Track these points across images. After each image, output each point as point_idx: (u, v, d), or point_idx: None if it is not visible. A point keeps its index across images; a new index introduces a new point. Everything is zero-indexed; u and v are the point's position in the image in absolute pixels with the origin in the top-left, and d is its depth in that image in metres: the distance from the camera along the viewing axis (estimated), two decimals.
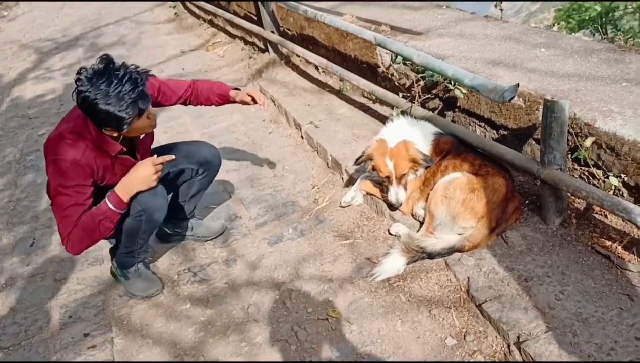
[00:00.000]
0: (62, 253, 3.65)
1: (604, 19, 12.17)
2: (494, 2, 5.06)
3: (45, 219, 4.12)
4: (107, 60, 2.47)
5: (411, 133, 3.22)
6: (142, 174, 2.70)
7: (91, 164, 2.62)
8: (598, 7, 11.83)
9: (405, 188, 3.24)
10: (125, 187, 2.68)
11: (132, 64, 2.56)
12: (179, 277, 3.28)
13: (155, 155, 2.87)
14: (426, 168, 3.21)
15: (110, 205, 2.66)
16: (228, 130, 5.12)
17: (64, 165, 2.56)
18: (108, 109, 2.41)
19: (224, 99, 3.32)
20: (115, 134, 2.63)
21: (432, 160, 3.15)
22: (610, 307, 2.47)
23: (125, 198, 2.69)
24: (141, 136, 2.87)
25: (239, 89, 3.35)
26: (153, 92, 2.93)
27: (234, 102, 3.32)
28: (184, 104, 3.31)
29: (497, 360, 2.42)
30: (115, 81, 2.41)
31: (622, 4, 11.95)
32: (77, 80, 2.44)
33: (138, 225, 2.85)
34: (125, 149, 2.77)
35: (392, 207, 3.35)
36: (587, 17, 11.84)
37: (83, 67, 2.48)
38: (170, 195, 3.30)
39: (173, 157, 2.83)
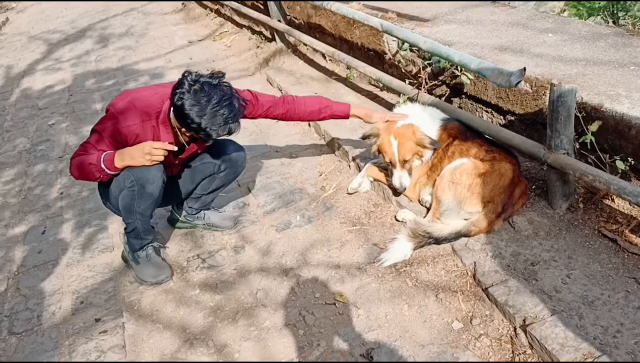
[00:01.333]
0: (72, 241, 3.70)
1: (615, 6, 12.04)
2: None
3: (56, 208, 4.17)
4: (214, 76, 2.65)
5: (418, 117, 3.23)
6: (140, 151, 2.74)
7: (132, 136, 2.77)
8: None
9: (410, 174, 3.25)
10: (122, 155, 2.76)
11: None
12: (188, 264, 3.32)
13: (167, 142, 2.90)
14: (434, 151, 3.22)
15: (102, 163, 2.74)
16: None
17: (114, 119, 2.76)
18: (200, 122, 2.58)
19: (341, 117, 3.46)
20: (188, 135, 2.81)
21: (438, 143, 3.15)
22: (616, 290, 2.48)
23: (118, 164, 2.76)
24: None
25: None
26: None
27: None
28: (276, 118, 3.41)
29: (507, 361, 2.43)
30: (215, 100, 2.57)
31: None
32: (180, 83, 2.61)
33: (132, 196, 2.88)
34: (172, 143, 2.87)
35: (396, 192, 3.37)
36: (597, 5, 11.73)
37: (188, 71, 2.64)
38: (193, 185, 3.38)
39: (175, 147, 2.86)
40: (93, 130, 2.85)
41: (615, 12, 11.54)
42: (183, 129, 2.77)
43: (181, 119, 2.66)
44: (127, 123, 2.76)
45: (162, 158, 2.79)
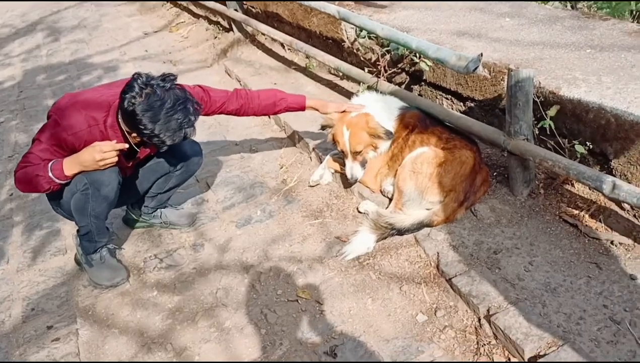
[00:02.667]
0: (23, 245, 3.54)
1: None
2: None
3: (5, 210, 3.99)
4: (166, 79, 2.54)
5: (374, 107, 3.17)
6: (90, 157, 2.60)
7: (79, 142, 2.63)
8: None
9: (364, 166, 3.19)
10: (71, 162, 2.63)
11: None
12: (145, 264, 3.20)
13: (115, 141, 2.76)
14: (392, 142, 3.16)
15: (50, 172, 2.61)
16: None
17: (57, 126, 2.62)
18: (154, 128, 2.47)
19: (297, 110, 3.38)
20: (139, 139, 2.67)
21: (392, 134, 3.09)
22: (578, 276, 2.47)
23: (67, 172, 2.63)
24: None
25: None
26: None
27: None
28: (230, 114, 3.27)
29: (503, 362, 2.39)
30: (169, 105, 2.47)
31: None
32: (130, 86, 2.47)
33: (85, 199, 2.75)
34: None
35: (348, 183, 3.32)
36: None
37: (138, 73, 2.51)
38: (148, 184, 3.26)
39: (126, 145, 2.70)
40: (35, 139, 2.70)
41: None
42: (134, 134, 2.64)
43: (132, 125, 2.53)
44: (73, 130, 2.61)
45: (114, 160, 2.66)
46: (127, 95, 2.47)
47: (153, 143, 2.58)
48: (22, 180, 2.67)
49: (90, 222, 2.89)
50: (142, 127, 2.48)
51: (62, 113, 2.64)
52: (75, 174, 2.67)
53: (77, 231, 3.01)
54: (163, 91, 2.49)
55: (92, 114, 2.65)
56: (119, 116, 2.64)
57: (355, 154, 3.14)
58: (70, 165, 2.63)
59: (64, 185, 2.73)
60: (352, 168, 3.17)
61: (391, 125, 3.17)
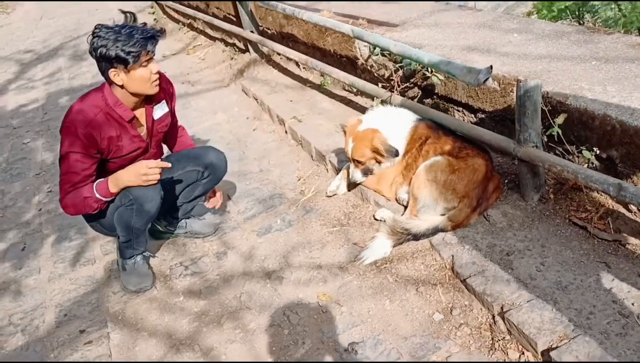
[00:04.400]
0: (53, 256, 3.70)
1: (581, 9, 12.36)
2: None
3: (35, 225, 4.16)
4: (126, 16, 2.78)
5: (385, 122, 3.32)
6: (135, 172, 2.81)
7: (96, 132, 2.77)
8: None
9: (365, 174, 3.38)
10: (116, 180, 2.83)
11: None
12: (171, 271, 3.34)
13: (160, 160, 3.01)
14: (406, 153, 3.30)
15: (96, 193, 2.81)
16: (212, 130, 5.19)
17: (69, 130, 2.74)
18: (117, 45, 2.61)
19: None
20: (123, 76, 2.72)
21: (397, 153, 3.24)
22: (588, 275, 2.58)
23: (113, 189, 2.84)
24: (155, 116, 3.06)
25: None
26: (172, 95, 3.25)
27: None
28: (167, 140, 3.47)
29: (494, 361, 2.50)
30: (127, 26, 2.68)
31: None
32: (92, 33, 2.67)
33: (130, 214, 2.93)
34: (136, 117, 2.93)
35: (351, 184, 3.59)
36: (563, 7, 12.00)
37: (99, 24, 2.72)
38: (175, 194, 3.42)
39: (168, 164, 2.91)
40: (63, 156, 2.80)
41: (581, 15, 11.83)
42: (118, 78, 2.73)
43: (108, 58, 2.65)
44: (85, 122, 2.75)
45: (158, 177, 2.85)
46: (93, 44, 2.66)
47: (129, 58, 2.65)
48: (71, 205, 2.84)
49: (131, 234, 3.07)
50: (113, 50, 2.61)
51: (68, 119, 2.77)
52: (120, 191, 2.86)
53: (118, 238, 3.16)
54: (114, 25, 2.71)
55: (91, 104, 2.80)
56: (110, 88, 2.81)
57: (357, 162, 3.33)
58: (116, 183, 2.83)
59: (109, 202, 2.90)
60: (353, 172, 3.41)
61: (404, 136, 3.32)
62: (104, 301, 3.22)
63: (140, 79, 2.76)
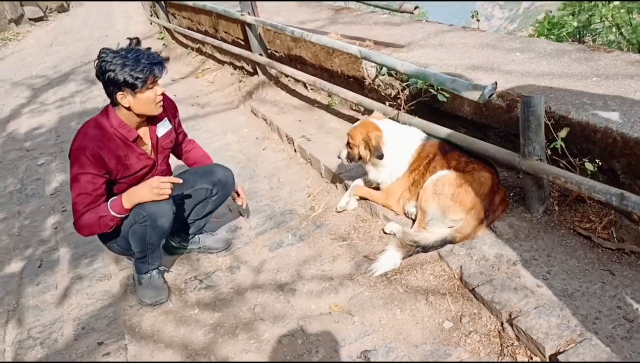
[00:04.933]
0: (70, 272, 3.79)
1: (582, 32, 12.57)
2: (472, 14, 5.34)
3: (51, 243, 4.25)
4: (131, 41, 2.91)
5: (392, 132, 3.47)
6: (147, 186, 2.95)
7: (103, 152, 2.87)
8: (575, 23, 12.22)
9: (348, 159, 3.64)
10: (129, 196, 2.95)
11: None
12: (185, 285, 3.43)
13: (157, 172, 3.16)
14: (413, 170, 3.41)
15: (111, 210, 2.92)
16: (223, 149, 5.31)
17: (78, 153, 2.84)
18: (125, 70, 2.75)
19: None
20: (130, 98, 2.85)
21: (381, 156, 3.40)
22: (593, 282, 2.65)
23: (127, 206, 2.95)
24: (159, 134, 3.17)
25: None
26: (175, 112, 3.40)
27: None
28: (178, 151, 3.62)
29: (502, 361, 2.57)
30: (134, 51, 2.81)
31: (598, 19, 12.34)
32: (99, 57, 2.81)
33: (144, 230, 3.03)
34: (140, 137, 3.04)
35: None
36: (565, 32, 12.20)
37: (101, 50, 2.84)
38: (187, 211, 3.52)
39: (180, 180, 3.05)
40: (74, 177, 2.87)
41: (582, 38, 12.01)
42: (125, 100, 2.85)
43: (115, 83, 2.78)
44: (93, 143, 2.85)
45: (170, 191, 2.96)
46: (100, 68, 2.79)
47: (137, 83, 2.79)
48: (86, 226, 2.91)
49: (146, 249, 3.17)
50: (121, 75, 2.75)
51: (76, 144, 2.87)
52: (134, 207, 2.96)
53: (133, 254, 3.26)
54: (120, 50, 2.84)
55: (96, 126, 2.92)
56: (114, 110, 2.94)
57: (348, 144, 3.56)
58: (130, 199, 2.95)
59: (123, 219, 3.01)
60: (341, 151, 3.68)
61: (411, 153, 3.43)
62: (121, 314, 3.30)
63: (146, 100, 2.90)
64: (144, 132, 3.11)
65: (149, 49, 2.94)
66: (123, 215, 2.98)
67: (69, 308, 3.43)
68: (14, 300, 3.62)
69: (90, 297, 3.51)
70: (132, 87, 2.81)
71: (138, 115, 2.96)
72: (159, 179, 2.96)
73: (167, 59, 2.99)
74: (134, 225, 3.03)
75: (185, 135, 3.63)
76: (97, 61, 2.82)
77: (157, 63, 2.84)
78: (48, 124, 7.27)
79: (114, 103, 2.92)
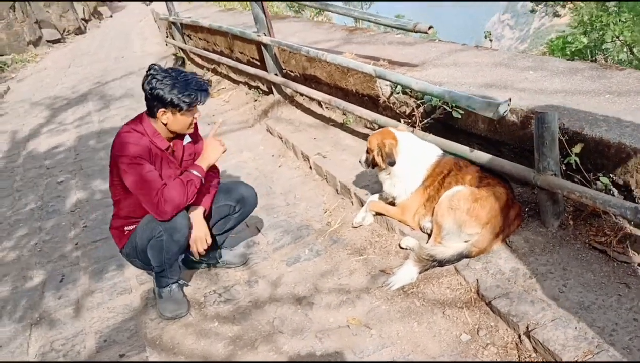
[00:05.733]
0: (91, 286, 3.86)
1: (594, 52, 12.63)
2: (484, 34, 5.42)
3: (72, 258, 4.34)
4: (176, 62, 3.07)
5: (410, 145, 3.55)
6: (210, 146, 3.26)
7: (148, 148, 3.04)
8: (585, 40, 12.29)
9: (367, 165, 3.72)
10: (205, 160, 3.23)
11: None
12: (205, 299, 3.49)
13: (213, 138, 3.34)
14: (428, 185, 3.47)
15: (195, 172, 3.14)
16: (239, 167, 5.40)
17: (128, 159, 2.98)
18: (173, 92, 2.93)
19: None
20: (170, 116, 3.03)
21: (394, 163, 3.50)
22: (609, 295, 2.68)
23: (204, 166, 3.21)
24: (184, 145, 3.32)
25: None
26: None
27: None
28: None
29: (502, 361, 2.60)
30: (183, 74, 3.01)
31: (609, 38, 12.39)
32: (147, 72, 3.00)
33: (161, 245, 3.12)
34: (174, 149, 3.23)
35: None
36: (575, 50, 12.26)
37: (151, 66, 3.05)
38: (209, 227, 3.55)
39: (220, 121, 3.44)
40: (136, 180, 3.00)
41: (594, 55, 12.05)
42: (165, 117, 3.02)
43: (161, 100, 2.95)
44: (137, 146, 3.00)
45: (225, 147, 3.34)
46: (150, 83, 2.95)
47: (182, 105, 2.96)
48: (173, 198, 3.02)
49: (164, 263, 3.24)
50: (169, 95, 2.92)
51: (123, 152, 2.99)
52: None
53: (153, 268, 3.33)
54: (173, 69, 3.03)
55: (137, 131, 3.07)
56: (150, 116, 3.08)
57: (367, 149, 3.65)
58: (206, 161, 3.23)
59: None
60: (361, 156, 3.77)
61: (426, 168, 3.50)
62: (142, 327, 3.36)
63: (184, 122, 3.09)
64: (172, 144, 3.25)
65: (195, 74, 3.10)
66: (203, 177, 3.19)
67: (91, 322, 3.50)
68: (36, 314, 3.69)
69: (111, 311, 3.57)
70: (177, 108, 2.98)
71: (171, 131, 3.13)
72: (212, 138, 3.28)
73: (210, 84, 3.17)
74: (151, 239, 3.12)
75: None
76: (147, 77, 2.98)
77: (202, 90, 3.02)
78: (67, 142, 7.41)
79: (152, 115, 3.07)
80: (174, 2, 10.17)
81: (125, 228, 3.29)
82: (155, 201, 2.99)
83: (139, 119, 3.13)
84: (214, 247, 3.62)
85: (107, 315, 3.54)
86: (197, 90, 2.98)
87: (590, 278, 2.82)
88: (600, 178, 2.97)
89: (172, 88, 2.93)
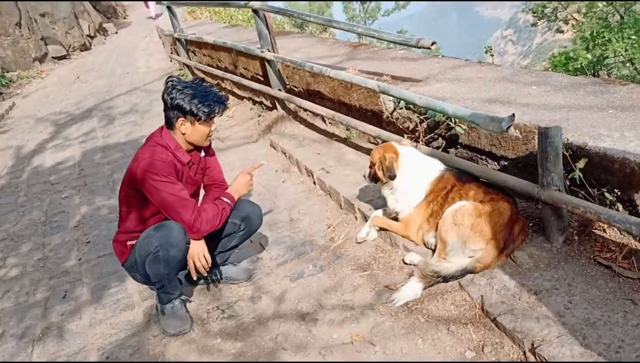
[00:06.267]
0: (93, 303, 3.85)
1: (596, 67, 12.65)
2: (485, 49, 5.44)
3: (75, 273, 4.33)
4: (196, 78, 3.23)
5: (412, 159, 3.56)
6: (243, 180, 3.39)
7: (174, 164, 3.15)
8: (589, 56, 12.32)
9: (370, 179, 3.73)
10: (236, 191, 3.37)
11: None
12: (208, 315, 3.47)
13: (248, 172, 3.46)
14: (431, 200, 3.46)
15: (227, 200, 3.30)
16: None
17: (158, 163, 3.06)
18: (194, 101, 3.04)
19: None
20: (189, 126, 3.12)
21: (394, 177, 3.51)
22: (615, 311, 2.66)
23: (236, 197, 3.37)
24: (198, 166, 3.41)
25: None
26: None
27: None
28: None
29: (502, 360, 2.58)
30: (203, 87, 3.14)
31: (611, 54, 12.42)
32: (168, 83, 3.11)
33: (157, 260, 3.12)
34: (192, 162, 3.33)
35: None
36: (579, 66, 12.28)
37: (170, 76, 3.20)
38: (213, 244, 3.57)
39: (263, 163, 3.67)
40: (168, 198, 3.07)
41: (597, 70, 12.07)
42: (184, 127, 3.11)
43: (181, 109, 3.06)
44: (162, 162, 3.07)
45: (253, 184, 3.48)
46: (170, 94, 3.06)
47: (201, 114, 3.06)
48: (209, 221, 3.17)
49: (163, 279, 3.23)
50: (188, 105, 3.03)
51: (151, 168, 3.04)
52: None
53: (154, 284, 3.32)
54: (190, 82, 3.16)
55: (160, 146, 3.15)
56: (170, 127, 3.17)
57: (370, 163, 3.69)
58: (236, 193, 3.37)
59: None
60: (365, 171, 3.77)
61: (428, 183, 3.49)
62: (145, 344, 3.34)
63: (201, 132, 3.17)
64: (191, 157, 3.33)
65: (213, 86, 3.23)
66: (234, 205, 3.35)
67: (93, 338, 3.48)
68: (38, 330, 3.68)
69: (114, 327, 3.56)
70: (195, 117, 3.08)
71: (189, 142, 3.21)
72: (246, 172, 3.41)
73: (227, 99, 3.26)
74: (148, 255, 3.12)
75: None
76: (167, 87, 3.09)
77: (221, 102, 3.15)
78: (72, 158, 7.43)
79: (171, 126, 3.16)
80: (179, 19, 10.26)
81: (128, 242, 3.31)
82: (192, 219, 3.11)
83: (159, 132, 3.22)
84: (215, 264, 3.61)
85: (110, 331, 3.52)
86: (216, 101, 3.10)
87: (596, 295, 2.80)
88: (605, 193, 2.96)
89: (193, 98, 3.03)
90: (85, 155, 7.43)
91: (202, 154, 3.43)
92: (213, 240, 3.50)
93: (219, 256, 3.66)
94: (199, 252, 3.22)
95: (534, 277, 3.02)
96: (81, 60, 16.89)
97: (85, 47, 18.50)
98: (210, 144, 3.47)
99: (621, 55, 12.66)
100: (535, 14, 21.01)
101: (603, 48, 12.31)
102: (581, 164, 3.02)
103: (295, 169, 5.39)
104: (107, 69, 14.23)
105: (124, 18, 26.48)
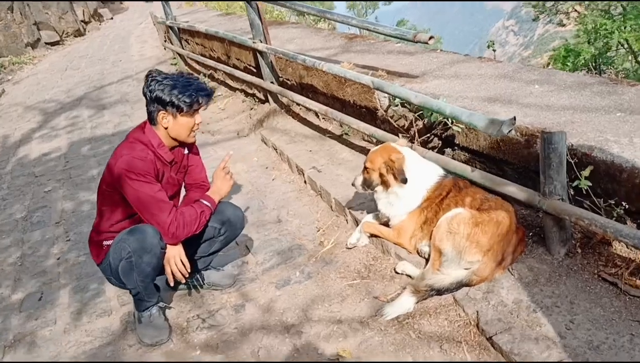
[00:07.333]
0: (70, 307, 3.66)
1: (598, 60, 12.44)
2: (487, 44, 5.23)
3: (53, 274, 4.14)
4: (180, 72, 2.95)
5: (413, 161, 3.33)
6: (220, 178, 3.20)
7: (154, 163, 2.96)
8: (592, 49, 12.10)
9: (365, 186, 3.44)
10: (216, 192, 3.19)
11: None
12: (188, 324, 3.28)
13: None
14: (425, 207, 3.26)
15: (206, 203, 3.10)
16: None
17: (136, 161, 2.88)
18: (173, 92, 2.87)
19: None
20: (170, 119, 2.95)
21: (406, 180, 3.24)
22: (621, 334, 2.47)
23: (217, 199, 3.18)
24: (181, 164, 3.25)
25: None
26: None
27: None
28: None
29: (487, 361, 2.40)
30: (185, 77, 2.96)
31: (614, 45, 12.22)
32: (147, 76, 2.94)
33: (130, 266, 2.94)
34: (175, 161, 3.16)
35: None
36: (582, 60, 12.07)
37: (150, 71, 2.99)
38: (192, 248, 3.39)
39: (231, 153, 3.40)
40: (145, 198, 2.90)
41: (599, 65, 11.86)
42: (165, 120, 2.94)
43: (161, 101, 2.89)
44: (145, 162, 2.91)
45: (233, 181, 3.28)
46: (149, 86, 2.90)
47: (182, 105, 2.89)
48: (186, 225, 2.98)
49: (138, 286, 3.04)
50: (168, 95, 2.86)
51: (128, 166, 2.86)
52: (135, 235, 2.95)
53: (130, 291, 3.13)
54: (171, 73, 3.01)
55: (141, 143, 2.97)
56: (153, 123, 3.00)
57: (365, 169, 3.38)
58: (217, 194, 3.19)
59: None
60: (356, 178, 3.49)
61: (426, 188, 3.28)
62: (119, 354, 3.16)
63: (184, 125, 3.00)
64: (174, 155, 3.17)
65: (198, 78, 3.04)
66: (214, 208, 3.16)
67: (67, 346, 3.30)
68: (11, 335, 3.50)
69: (89, 334, 3.37)
70: (177, 109, 2.90)
71: (172, 138, 3.04)
72: (220, 170, 3.21)
73: (213, 92, 3.07)
74: (121, 261, 2.94)
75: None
76: (147, 80, 2.93)
77: (203, 92, 2.95)
78: (58, 149, 7.22)
79: (153, 122, 2.99)
80: (172, 5, 9.98)
81: (104, 242, 3.13)
82: (167, 222, 2.93)
83: (141, 128, 3.05)
84: (196, 269, 3.43)
85: (85, 339, 3.33)
86: (197, 90, 2.92)
87: (600, 314, 2.61)
88: (612, 205, 2.76)
89: (172, 88, 2.87)
90: (71, 147, 7.22)
91: (186, 151, 3.24)
92: (192, 245, 3.30)
93: (201, 261, 3.47)
94: (175, 256, 3.03)
95: (534, 292, 2.82)
96: (75, 47, 16.59)
97: (79, 33, 18.17)
98: (195, 142, 3.26)
99: (624, 47, 12.45)
100: (536, 9, 20.71)
101: (605, 40, 12.10)
102: (587, 172, 2.82)
103: (285, 167, 5.19)
104: (100, 56, 13.96)
105: (121, 3, 26.09)
